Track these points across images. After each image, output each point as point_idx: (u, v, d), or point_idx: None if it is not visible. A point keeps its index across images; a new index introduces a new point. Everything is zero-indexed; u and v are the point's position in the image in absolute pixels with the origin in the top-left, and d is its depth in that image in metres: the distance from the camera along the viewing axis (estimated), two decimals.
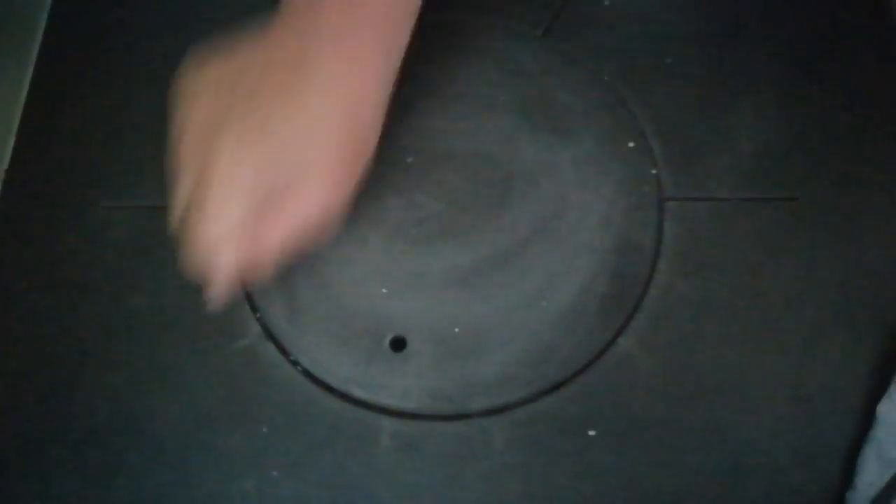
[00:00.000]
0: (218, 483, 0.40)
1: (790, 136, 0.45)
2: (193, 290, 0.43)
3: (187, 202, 0.38)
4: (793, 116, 0.45)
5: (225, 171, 0.36)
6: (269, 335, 0.42)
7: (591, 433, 0.40)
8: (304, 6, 0.38)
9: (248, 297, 0.43)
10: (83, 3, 0.51)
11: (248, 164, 0.36)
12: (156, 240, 0.44)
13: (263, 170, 0.36)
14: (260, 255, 0.38)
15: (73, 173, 0.46)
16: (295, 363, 0.42)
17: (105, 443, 0.41)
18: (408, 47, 0.39)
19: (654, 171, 0.44)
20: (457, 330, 0.42)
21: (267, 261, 0.38)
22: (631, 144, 0.45)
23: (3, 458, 0.41)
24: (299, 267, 0.43)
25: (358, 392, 0.41)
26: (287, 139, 0.36)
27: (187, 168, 0.39)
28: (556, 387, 0.40)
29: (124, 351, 0.42)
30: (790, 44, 0.47)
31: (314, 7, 0.37)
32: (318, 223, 0.38)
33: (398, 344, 0.42)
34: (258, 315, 0.42)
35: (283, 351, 0.42)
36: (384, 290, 0.43)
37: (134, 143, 0.47)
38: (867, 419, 0.39)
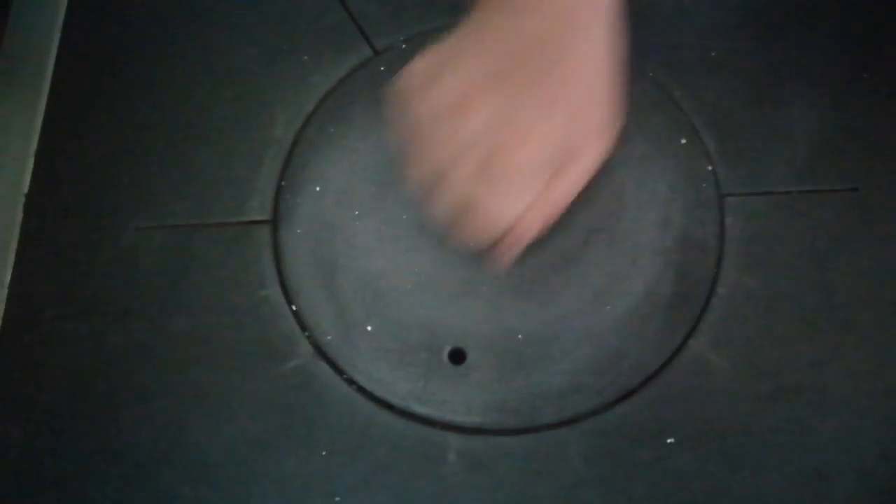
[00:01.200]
0: None
1: (845, 126, 0.43)
2: (236, 310, 0.41)
3: (468, 187, 0.36)
4: (846, 106, 0.44)
5: (515, 151, 0.34)
6: (321, 353, 0.40)
7: (670, 441, 0.38)
8: None
9: (296, 314, 0.41)
10: (98, 18, 0.49)
11: (535, 141, 0.34)
12: (193, 259, 0.42)
13: (548, 142, 0.35)
14: (539, 223, 0.37)
15: (100, 194, 0.44)
16: (350, 381, 0.39)
17: (153, 477, 0.38)
18: None
19: (709, 167, 0.43)
20: (519, 338, 0.40)
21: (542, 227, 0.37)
22: (683, 141, 0.43)
23: (43, 501, 0.38)
24: (348, 280, 0.41)
25: (419, 408, 0.39)
26: (565, 120, 0.35)
27: (459, 154, 0.35)
28: (629, 394, 0.39)
29: (167, 378, 0.40)
30: (837, 33, 0.46)
31: None
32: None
33: (458, 356, 0.40)
34: (307, 333, 0.40)
35: (337, 369, 0.40)
36: (438, 300, 0.41)
37: (163, 159, 0.44)
38: None
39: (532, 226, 0.37)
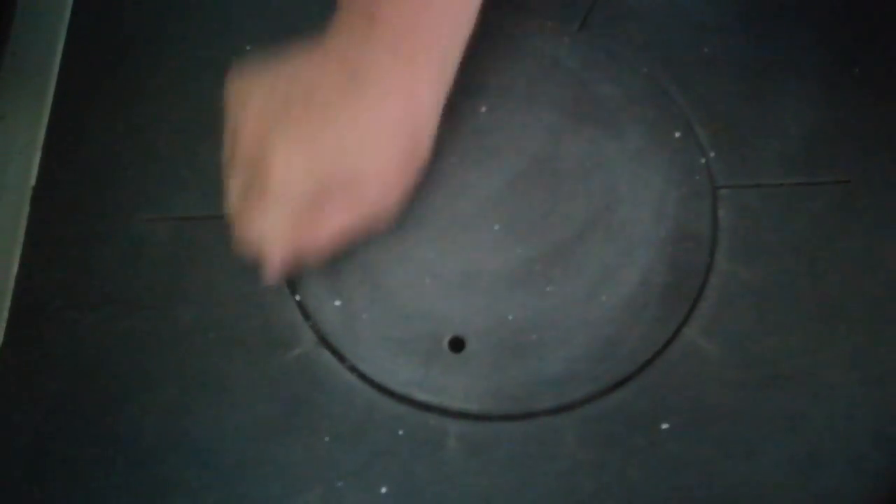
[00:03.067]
0: (281, 498, 0.38)
1: (837, 119, 0.44)
2: (242, 300, 0.42)
3: (239, 202, 0.39)
4: (837, 100, 0.45)
5: (279, 171, 0.36)
6: (324, 342, 0.41)
7: (664, 426, 0.39)
8: (359, 11, 0.37)
9: (300, 304, 0.41)
10: (104, 13, 0.50)
11: (303, 165, 0.37)
12: (199, 251, 0.43)
13: (318, 171, 0.37)
14: (308, 250, 0.39)
15: (107, 187, 0.45)
16: (352, 369, 0.40)
17: (158, 462, 0.39)
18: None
19: (703, 160, 0.44)
20: (517, 328, 0.41)
21: (315, 255, 0.40)
22: (677, 134, 0.44)
23: (51, 486, 0.39)
24: (350, 270, 0.42)
25: (420, 395, 0.40)
26: (343, 143, 0.37)
27: (239, 169, 0.38)
28: (624, 381, 0.40)
29: (172, 366, 0.41)
30: (829, 27, 0.47)
31: (371, 12, 0.36)
32: (368, 224, 0.39)
33: (457, 344, 0.41)
34: (311, 322, 0.41)
35: (340, 357, 0.41)
36: (438, 290, 0.41)
37: (169, 152, 0.45)
38: None
39: (311, 248, 0.39)
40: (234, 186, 0.39)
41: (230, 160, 0.39)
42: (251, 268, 0.40)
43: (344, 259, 0.42)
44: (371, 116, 0.37)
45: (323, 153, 0.37)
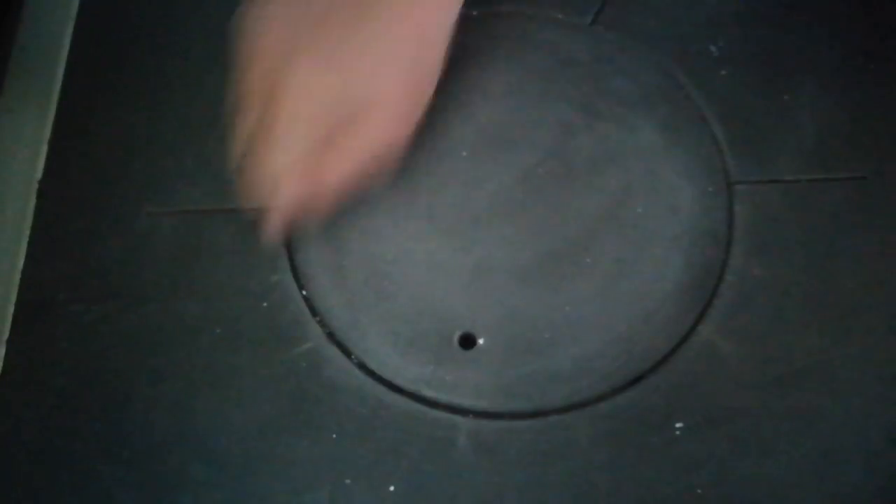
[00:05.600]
0: (288, 495, 0.38)
1: (853, 114, 0.44)
2: (248, 295, 0.41)
3: (251, 134, 0.38)
4: (854, 95, 0.44)
5: (291, 103, 0.36)
6: (331, 338, 0.40)
7: (678, 425, 0.38)
8: None
9: (307, 299, 0.41)
10: (111, 7, 0.49)
11: (314, 97, 0.36)
12: (205, 245, 0.42)
13: (329, 102, 0.37)
14: (321, 187, 0.38)
15: (113, 180, 0.44)
16: (360, 365, 0.40)
17: (164, 458, 0.38)
18: (457, 42, 0.39)
19: (718, 156, 0.43)
20: (528, 324, 0.40)
21: (327, 195, 0.39)
22: (692, 130, 0.44)
23: (56, 480, 0.38)
24: (359, 265, 0.42)
25: (429, 392, 0.39)
26: (353, 73, 0.37)
27: (252, 100, 0.38)
28: (637, 379, 0.39)
29: (179, 361, 0.40)
30: (845, 22, 0.46)
31: None
32: (378, 159, 0.38)
33: (468, 341, 0.40)
34: (318, 318, 0.41)
35: (347, 353, 0.40)
36: (449, 286, 0.41)
37: (174, 145, 0.45)
38: None
39: (321, 191, 0.39)
40: (245, 122, 0.38)
41: (242, 93, 0.38)
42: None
43: (352, 252, 0.41)
44: (382, 46, 0.37)
45: (335, 82, 0.36)
